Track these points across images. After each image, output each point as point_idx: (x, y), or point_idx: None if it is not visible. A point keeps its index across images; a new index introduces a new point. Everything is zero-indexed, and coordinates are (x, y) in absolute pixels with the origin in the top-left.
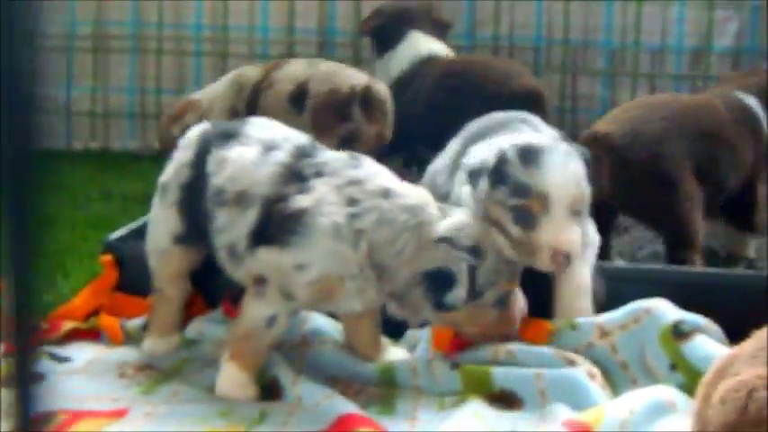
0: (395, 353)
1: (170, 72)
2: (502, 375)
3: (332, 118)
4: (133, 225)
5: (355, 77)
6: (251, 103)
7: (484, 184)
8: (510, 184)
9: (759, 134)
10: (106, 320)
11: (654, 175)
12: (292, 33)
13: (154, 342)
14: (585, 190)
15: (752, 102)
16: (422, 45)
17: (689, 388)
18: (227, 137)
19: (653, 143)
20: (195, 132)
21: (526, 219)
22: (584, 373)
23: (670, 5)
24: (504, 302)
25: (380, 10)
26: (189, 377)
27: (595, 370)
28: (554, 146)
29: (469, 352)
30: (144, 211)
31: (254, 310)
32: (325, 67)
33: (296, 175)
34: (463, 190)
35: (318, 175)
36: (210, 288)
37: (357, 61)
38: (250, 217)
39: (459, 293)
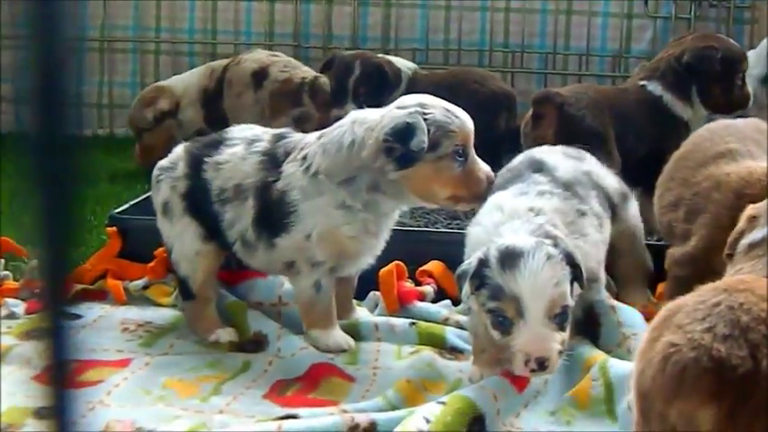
0: (361, 312)
1: (166, 69)
2: (452, 334)
3: (286, 102)
4: (134, 201)
5: (307, 71)
6: (220, 79)
7: (467, 287)
8: (488, 288)
9: (662, 112)
10: (111, 283)
11: (587, 128)
12: (272, 37)
13: (222, 333)
14: (565, 293)
15: (653, 87)
16: (406, 64)
17: None
18: (216, 145)
19: (588, 106)
20: (179, 150)
21: (503, 323)
22: None
23: (594, 15)
24: (463, 156)
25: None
26: (183, 332)
27: None
28: (535, 248)
29: (426, 312)
30: (144, 189)
31: (300, 286)
32: (285, 59)
33: (274, 160)
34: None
35: (287, 154)
36: None
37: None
38: (249, 206)
39: (420, 139)
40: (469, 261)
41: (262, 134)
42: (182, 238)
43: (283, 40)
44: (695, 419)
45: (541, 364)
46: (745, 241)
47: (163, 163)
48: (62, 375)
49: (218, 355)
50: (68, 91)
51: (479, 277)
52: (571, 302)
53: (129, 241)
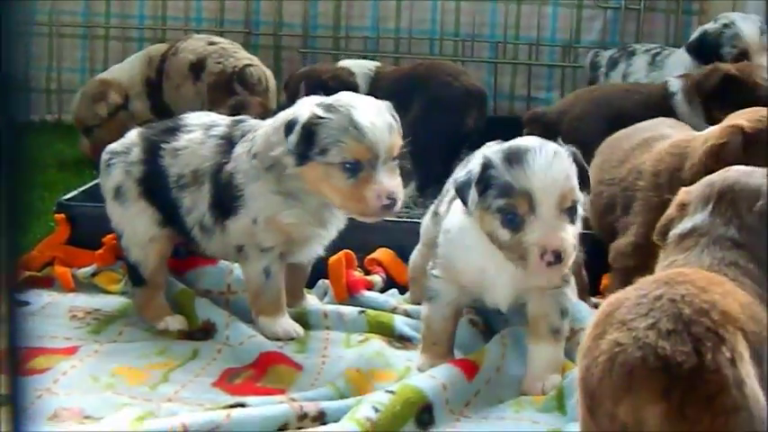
0: (310, 300)
1: (116, 55)
2: (401, 323)
3: (221, 93)
4: (83, 187)
5: (237, 58)
6: (159, 69)
7: (474, 194)
8: (495, 187)
9: (665, 109)
10: (59, 270)
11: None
12: (222, 24)
13: (171, 321)
14: (574, 187)
15: (674, 84)
16: (365, 65)
17: None
18: (172, 131)
19: (576, 118)
20: (132, 135)
21: (513, 220)
22: (468, 323)
23: (545, 4)
24: (353, 171)
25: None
26: (132, 319)
27: (477, 318)
28: (540, 146)
29: (374, 301)
30: (93, 175)
31: (249, 271)
32: (220, 46)
33: (230, 143)
34: (453, 210)
35: (242, 137)
36: None
37: (276, 50)
38: (206, 191)
39: (292, 140)
40: (469, 170)
41: (219, 120)
42: (134, 223)
43: (234, 27)
44: (644, 417)
45: (558, 256)
46: (675, 231)
47: (114, 147)
48: (17, 362)
49: (167, 343)
50: (17, 76)
51: (484, 180)
52: (581, 198)
53: (77, 228)
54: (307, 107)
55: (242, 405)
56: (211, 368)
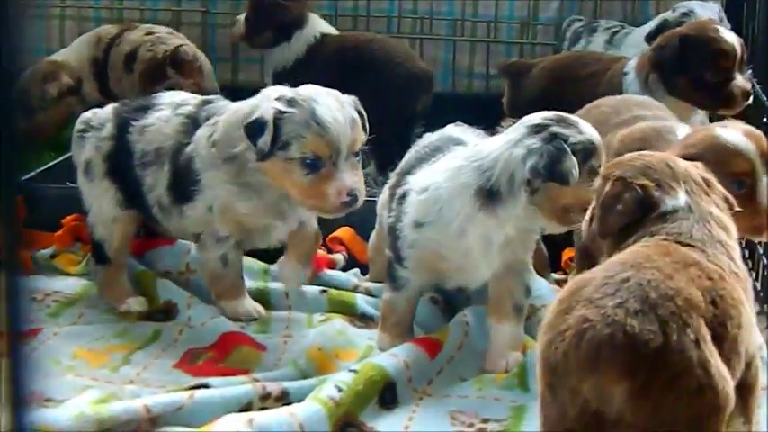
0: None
1: (72, 35)
2: (363, 301)
3: (152, 80)
4: (41, 168)
5: (169, 44)
6: (106, 52)
7: (574, 165)
8: (580, 152)
9: (615, 88)
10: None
11: (544, 89)
12: (179, 3)
13: (133, 302)
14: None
15: (631, 63)
16: (316, 29)
17: None
18: (145, 109)
19: (545, 70)
20: (107, 110)
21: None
22: (428, 301)
23: None
24: (314, 167)
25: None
26: (92, 301)
27: (437, 296)
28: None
29: (336, 280)
30: (50, 156)
31: (206, 259)
32: (156, 36)
33: (195, 124)
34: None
35: (207, 119)
36: None
37: None
38: (166, 171)
39: (264, 139)
40: (541, 147)
41: (190, 98)
42: (100, 201)
43: (191, 6)
44: (609, 394)
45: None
46: (659, 210)
47: (89, 118)
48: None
49: (128, 325)
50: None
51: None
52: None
53: (35, 209)
54: (268, 103)
55: (205, 386)
56: (173, 349)
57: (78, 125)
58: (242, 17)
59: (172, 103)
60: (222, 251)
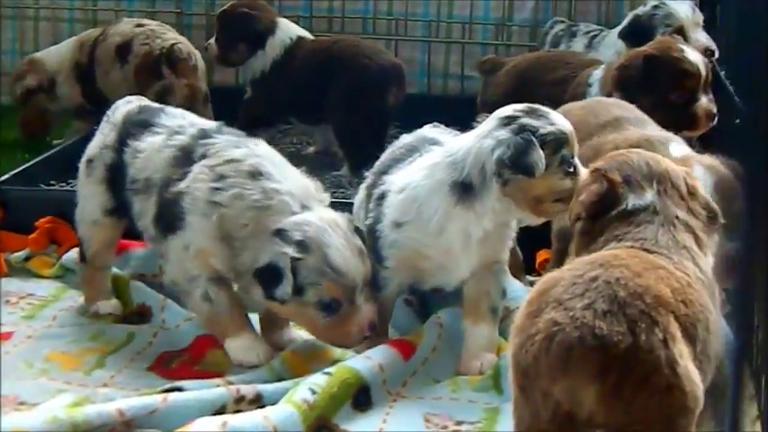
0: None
1: (46, 36)
2: None
3: (147, 77)
4: (15, 170)
5: (164, 39)
6: (91, 55)
7: (539, 156)
8: (551, 142)
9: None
10: None
11: (511, 91)
12: (153, 4)
13: (104, 305)
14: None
15: (597, 73)
16: (291, 31)
17: None
18: (144, 126)
19: (513, 69)
20: (122, 112)
21: (570, 167)
22: (402, 302)
23: None
24: (332, 310)
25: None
26: (66, 304)
27: (411, 297)
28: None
29: None
30: (24, 158)
31: (192, 306)
32: (149, 28)
33: (188, 158)
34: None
35: (204, 156)
36: None
37: (209, 29)
38: (152, 202)
39: (285, 289)
40: (510, 139)
41: (187, 126)
42: (87, 201)
43: (165, 7)
44: (580, 395)
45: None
46: (621, 207)
47: (117, 107)
48: None
49: (102, 328)
50: None
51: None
52: None
53: (9, 212)
54: (277, 246)
55: (178, 389)
56: (147, 352)
57: (110, 111)
58: (212, 41)
59: (169, 129)
60: (201, 289)
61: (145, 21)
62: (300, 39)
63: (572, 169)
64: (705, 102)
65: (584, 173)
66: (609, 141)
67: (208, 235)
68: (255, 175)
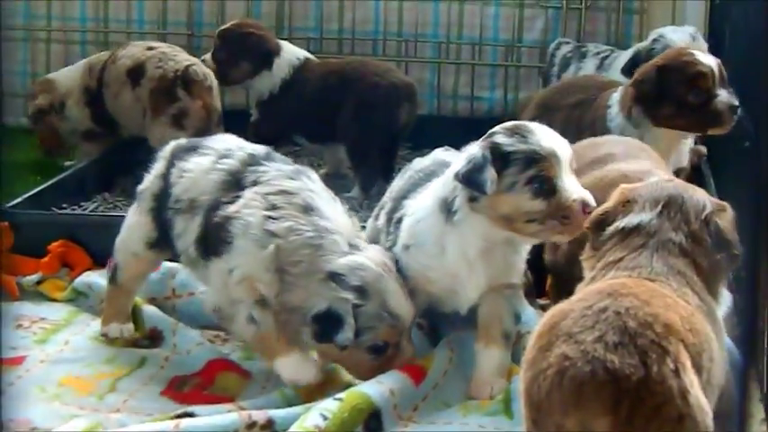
0: None
1: (58, 58)
2: None
3: (162, 100)
4: (27, 194)
5: (179, 61)
6: (100, 79)
7: (492, 173)
8: (518, 161)
9: (601, 119)
10: (4, 278)
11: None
12: (164, 26)
13: (115, 328)
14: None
15: (618, 92)
16: (297, 52)
17: None
18: (191, 150)
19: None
20: (171, 145)
21: (543, 187)
22: (413, 326)
23: (487, 4)
24: (380, 352)
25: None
26: (78, 328)
27: (422, 321)
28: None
29: None
30: (36, 181)
31: (237, 328)
32: (159, 51)
33: (237, 182)
34: (414, 224)
35: (255, 183)
36: (98, 247)
37: None
38: (196, 224)
39: (347, 335)
40: (473, 155)
41: (236, 150)
42: (131, 232)
43: (176, 29)
44: (593, 428)
45: (591, 207)
46: (618, 224)
47: (160, 152)
48: None
49: (114, 352)
50: None
51: (500, 159)
52: None
53: (21, 235)
54: (334, 292)
55: (190, 414)
56: (160, 376)
57: (168, 147)
58: (208, 56)
59: (217, 151)
60: (245, 313)
61: (154, 43)
62: (307, 59)
63: (546, 189)
64: (725, 96)
65: (572, 195)
66: (589, 177)
67: (260, 263)
68: (308, 210)
